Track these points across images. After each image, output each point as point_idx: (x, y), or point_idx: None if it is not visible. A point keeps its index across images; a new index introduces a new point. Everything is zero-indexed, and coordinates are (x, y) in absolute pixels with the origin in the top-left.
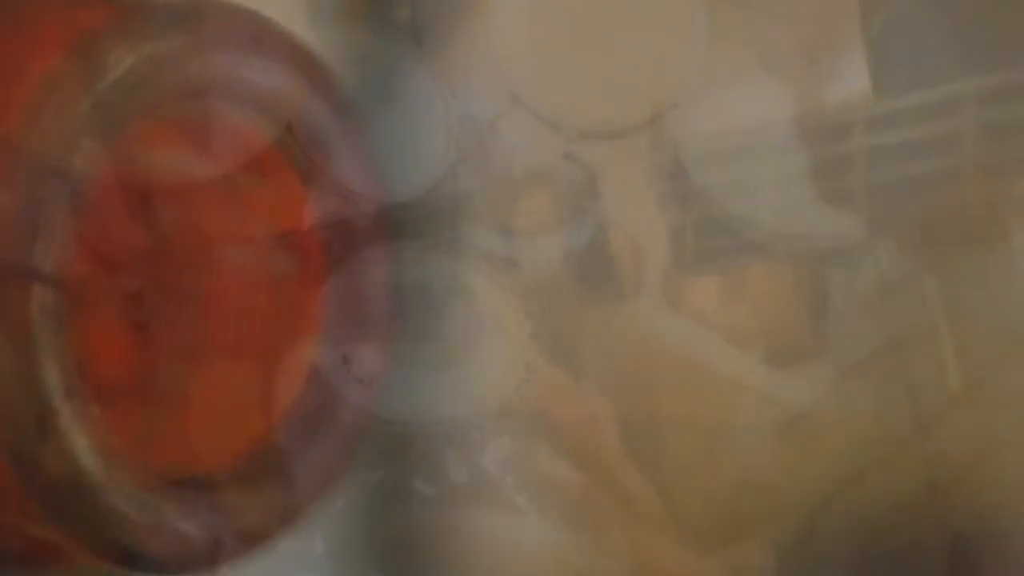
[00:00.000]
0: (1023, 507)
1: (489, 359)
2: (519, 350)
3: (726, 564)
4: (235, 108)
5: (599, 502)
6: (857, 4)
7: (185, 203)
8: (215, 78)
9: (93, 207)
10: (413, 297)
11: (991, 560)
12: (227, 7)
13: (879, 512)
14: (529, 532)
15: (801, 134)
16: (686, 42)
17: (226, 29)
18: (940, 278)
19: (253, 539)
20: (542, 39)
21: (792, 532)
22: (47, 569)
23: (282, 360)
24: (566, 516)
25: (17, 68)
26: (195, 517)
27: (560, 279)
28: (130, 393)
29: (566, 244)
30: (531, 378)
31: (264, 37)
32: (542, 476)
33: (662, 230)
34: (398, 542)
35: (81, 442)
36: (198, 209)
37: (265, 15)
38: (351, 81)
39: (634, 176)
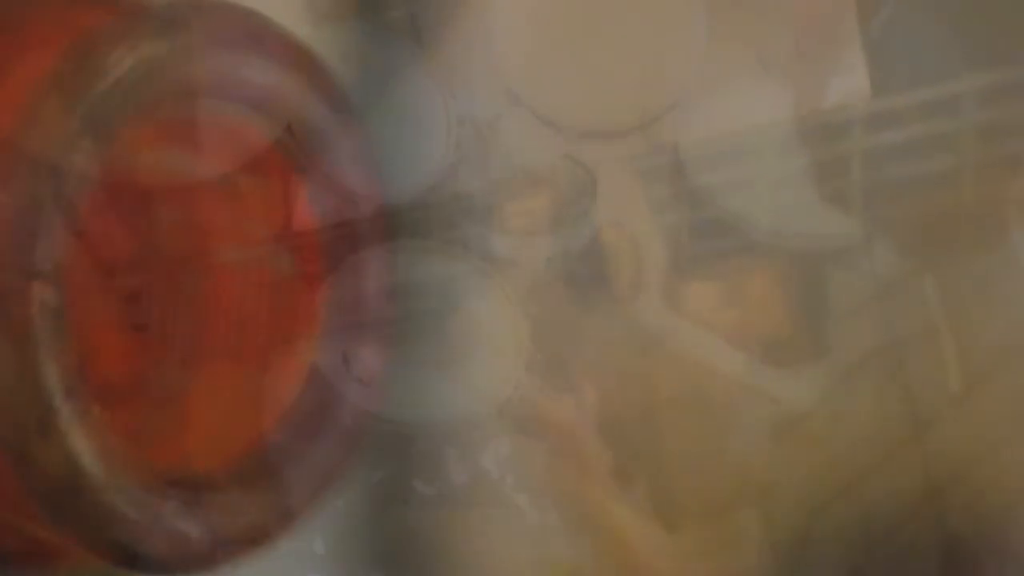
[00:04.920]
0: (1021, 508)
1: (489, 359)
2: (518, 350)
3: (724, 564)
4: (234, 108)
5: (596, 502)
6: (855, 3)
7: (184, 203)
8: (214, 78)
9: (93, 207)
10: (412, 297)
11: (989, 562)
12: (226, 7)
13: (878, 513)
14: (529, 532)
15: (799, 133)
16: (685, 42)
17: (225, 29)
18: (939, 279)
19: (253, 539)
20: (541, 39)
21: (790, 533)
22: (47, 569)
23: (281, 360)
24: (565, 516)
25: (17, 68)
26: (195, 517)
27: (559, 279)
28: (130, 393)
29: (565, 244)
30: (530, 378)
31: (263, 37)
32: (541, 476)
33: (661, 230)
34: (398, 542)
35: (81, 442)
36: (197, 209)
37: (264, 15)
38: (350, 81)
39: (633, 176)
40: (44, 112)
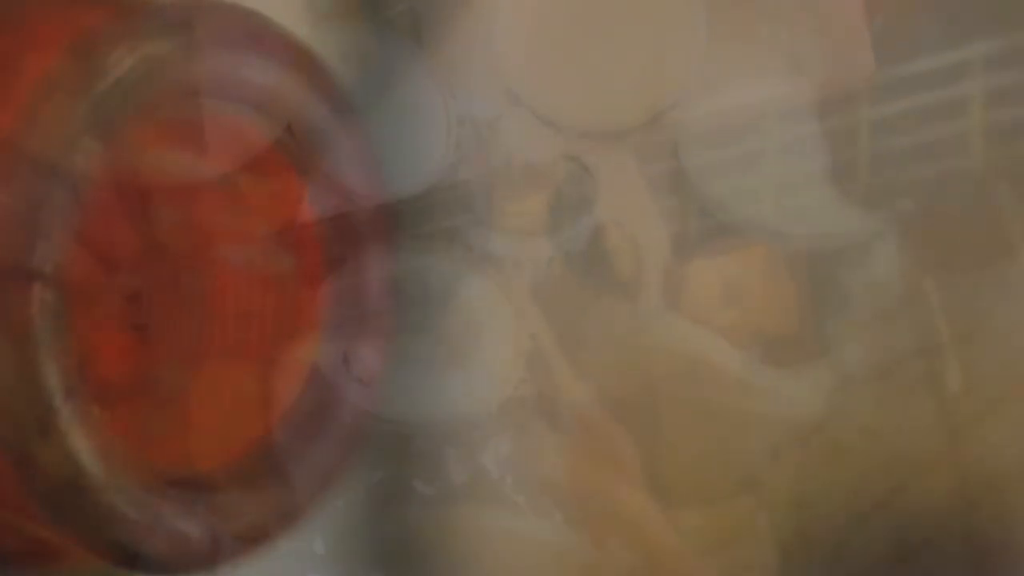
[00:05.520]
0: None
1: (489, 359)
2: (519, 350)
3: (726, 564)
4: (235, 108)
5: (598, 501)
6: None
7: (185, 203)
8: (214, 78)
9: (93, 207)
10: (413, 296)
11: (1021, 572)
12: (226, 7)
13: (910, 523)
14: (529, 531)
15: (805, 110)
16: (685, 41)
17: (225, 29)
18: (960, 284)
19: (253, 539)
20: (542, 38)
21: (822, 543)
22: (47, 569)
23: (282, 360)
24: (566, 516)
25: (17, 68)
26: (195, 517)
27: (560, 279)
28: (130, 393)
29: (566, 244)
30: (531, 378)
31: (263, 37)
32: (542, 475)
33: (662, 229)
34: (398, 542)
35: (81, 442)
36: (198, 209)
37: (264, 15)
38: (350, 80)
39: (634, 175)
40: (45, 112)
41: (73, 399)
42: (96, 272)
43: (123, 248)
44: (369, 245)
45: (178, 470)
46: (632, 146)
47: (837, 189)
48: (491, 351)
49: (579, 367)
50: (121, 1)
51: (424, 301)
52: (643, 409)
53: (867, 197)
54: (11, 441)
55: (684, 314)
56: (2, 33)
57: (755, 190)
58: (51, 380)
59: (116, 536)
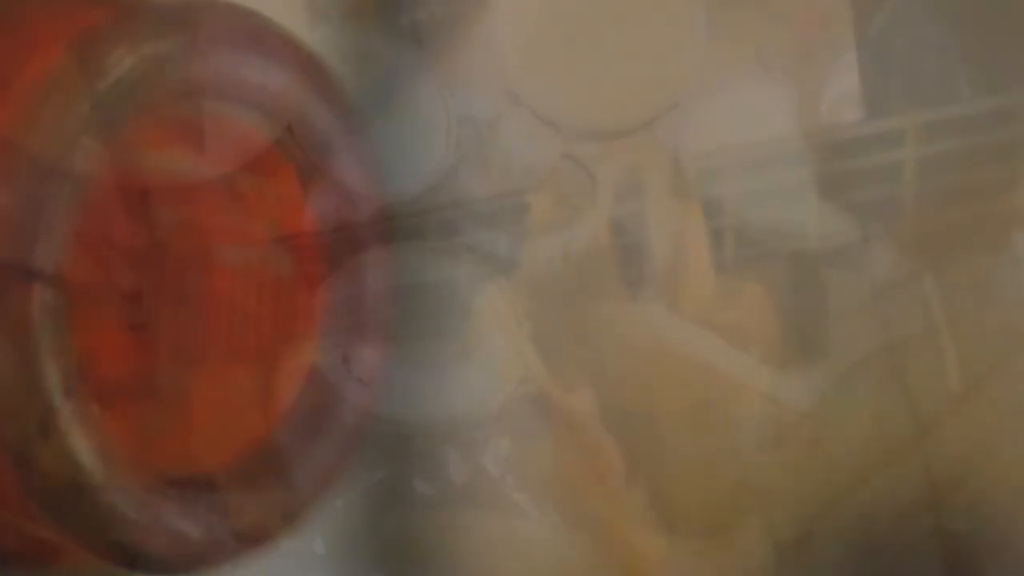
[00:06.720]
0: (1021, 509)
1: (489, 359)
2: (519, 350)
3: (723, 564)
4: (235, 108)
5: (597, 501)
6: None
7: (185, 203)
8: (215, 78)
9: (93, 207)
10: (413, 297)
11: (989, 563)
12: (227, 7)
13: (879, 514)
14: (529, 532)
15: (803, 140)
16: (685, 42)
17: (226, 29)
18: (939, 279)
19: (253, 539)
20: (542, 39)
21: (792, 534)
22: (47, 569)
23: (282, 360)
24: (566, 516)
25: (17, 68)
26: (195, 517)
27: (560, 279)
28: (130, 393)
29: (565, 244)
30: (531, 378)
31: (264, 37)
32: (541, 475)
33: (662, 230)
34: (398, 542)
35: (81, 442)
36: (198, 209)
37: (265, 15)
38: (351, 82)
39: (635, 176)
40: (45, 112)
41: (73, 399)
42: (96, 272)
43: (123, 248)
44: (369, 245)
45: (178, 470)
46: (632, 146)
47: (824, 195)
48: (491, 351)
49: (578, 367)
50: (121, 1)
51: (424, 302)
52: (642, 409)
53: (854, 202)
54: (11, 441)
55: (684, 314)
56: (2, 33)
57: (752, 193)
58: (51, 380)
59: (116, 536)
